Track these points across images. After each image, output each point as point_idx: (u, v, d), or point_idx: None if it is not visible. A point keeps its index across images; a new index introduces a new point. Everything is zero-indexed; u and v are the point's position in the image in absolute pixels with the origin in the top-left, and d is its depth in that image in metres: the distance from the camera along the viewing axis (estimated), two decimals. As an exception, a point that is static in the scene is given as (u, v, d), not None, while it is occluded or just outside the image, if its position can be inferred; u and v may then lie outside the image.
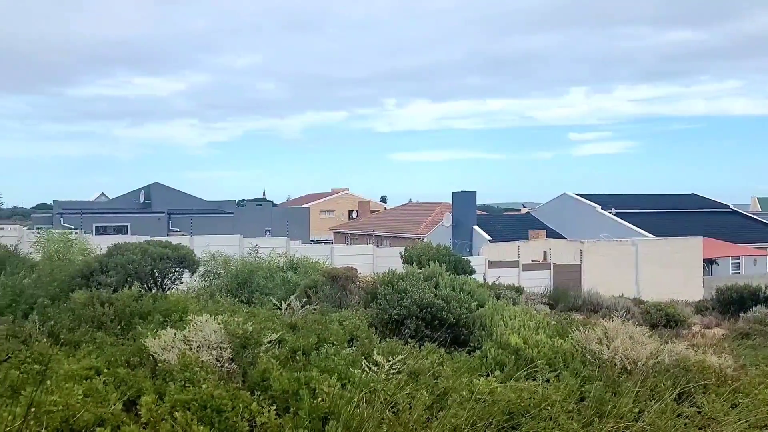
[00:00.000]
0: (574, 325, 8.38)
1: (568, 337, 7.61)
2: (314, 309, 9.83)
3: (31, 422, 3.90)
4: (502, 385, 5.27)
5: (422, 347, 6.61)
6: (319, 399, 4.71)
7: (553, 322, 9.16)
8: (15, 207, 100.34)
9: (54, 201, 49.38)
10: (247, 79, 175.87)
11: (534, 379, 5.90)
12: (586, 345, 7.07)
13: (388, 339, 6.83)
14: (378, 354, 5.86)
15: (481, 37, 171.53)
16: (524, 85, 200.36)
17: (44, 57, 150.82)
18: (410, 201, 68.20)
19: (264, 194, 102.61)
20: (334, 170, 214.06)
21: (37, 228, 28.15)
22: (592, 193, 48.25)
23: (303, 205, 63.49)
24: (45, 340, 7.14)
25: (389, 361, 5.66)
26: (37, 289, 10.21)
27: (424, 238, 37.50)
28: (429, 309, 7.76)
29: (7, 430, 3.61)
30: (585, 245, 31.61)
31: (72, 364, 5.86)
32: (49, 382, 4.49)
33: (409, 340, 7.01)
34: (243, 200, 62.90)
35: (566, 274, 27.92)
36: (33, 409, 3.88)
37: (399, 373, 5.54)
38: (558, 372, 6.13)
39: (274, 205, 68.66)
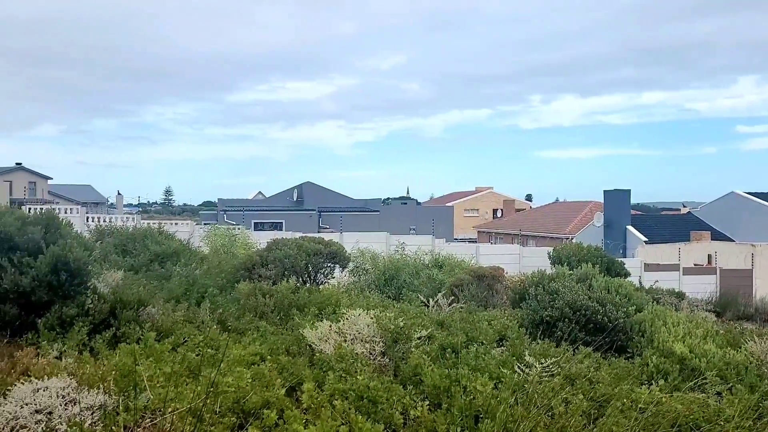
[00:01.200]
0: (746, 336, 7.67)
1: (740, 348, 6.97)
2: (461, 307, 9.83)
3: (208, 401, 4.26)
4: (668, 395, 4.94)
5: (576, 351, 6.37)
6: (471, 397, 4.70)
7: (722, 332, 8.43)
8: (184, 204, 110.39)
9: (218, 199, 53.64)
10: (392, 80, 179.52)
11: (702, 392, 5.46)
12: (762, 357, 6.44)
13: (539, 341, 6.67)
14: (530, 356, 5.74)
15: (636, 27, 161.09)
16: (684, 76, 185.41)
17: (209, 67, 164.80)
18: (557, 200, 66.08)
19: (408, 192, 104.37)
20: (478, 168, 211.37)
21: (204, 224, 30.77)
22: (766, 191, 43.62)
23: (446, 204, 63.68)
24: (215, 326, 7.79)
25: (542, 363, 5.52)
26: (206, 280, 11.15)
27: (572, 238, 36.08)
28: (582, 312, 7.46)
29: (190, 405, 3.98)
30: (758, 248, 28.75)
31: (239, 350, 6.33)
32: (222, 365, 4.87)
33: (562, 342, 6.79)
34: (388, 198, 64.43)
35: (735, 280, 25.52)
36: (211, 389, 4.23)
37: (552, 376, 5.38)
38: (730, 385, 5.63)
39: (419, 203, 69.53)
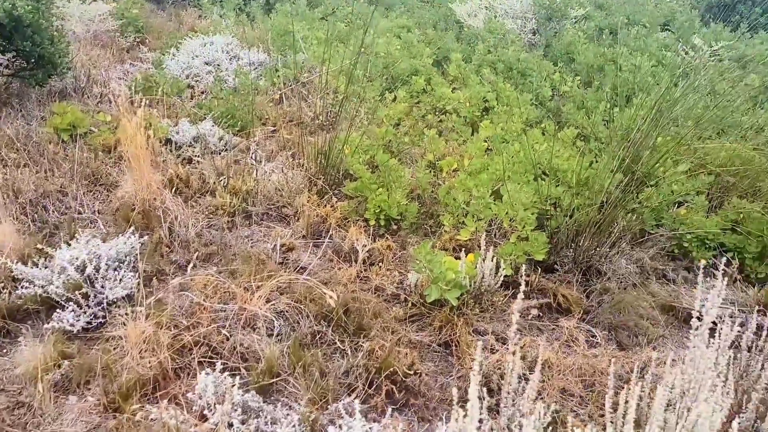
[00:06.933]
0: None
1: None
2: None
3: (357, 63, 4.40)
4: None
5: (755, 35, 5.69)
6: (626, 73, 4.48)
7: None
8: None
9: None
10: None
11: None
12: None
13: (712, 24, 6.00)
14: (698, 38, 5.23)
15: None
16: None
17: None
18: None
19: None
20: None
21: None
22: None
23: None
24: (363, 0, 7.70)
25: (711, 47, 5.04)
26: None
27: None
28: None
29: (342, 63, 4.13)
30: None
31: (387, 23, 6.30)
32: (371, 31, 4.89)
33: (740, 26, 6.06)
34: None
35: None
36: (362, 50, 4.33)
37: (720, 60, 4.94)
38: None
39: None
